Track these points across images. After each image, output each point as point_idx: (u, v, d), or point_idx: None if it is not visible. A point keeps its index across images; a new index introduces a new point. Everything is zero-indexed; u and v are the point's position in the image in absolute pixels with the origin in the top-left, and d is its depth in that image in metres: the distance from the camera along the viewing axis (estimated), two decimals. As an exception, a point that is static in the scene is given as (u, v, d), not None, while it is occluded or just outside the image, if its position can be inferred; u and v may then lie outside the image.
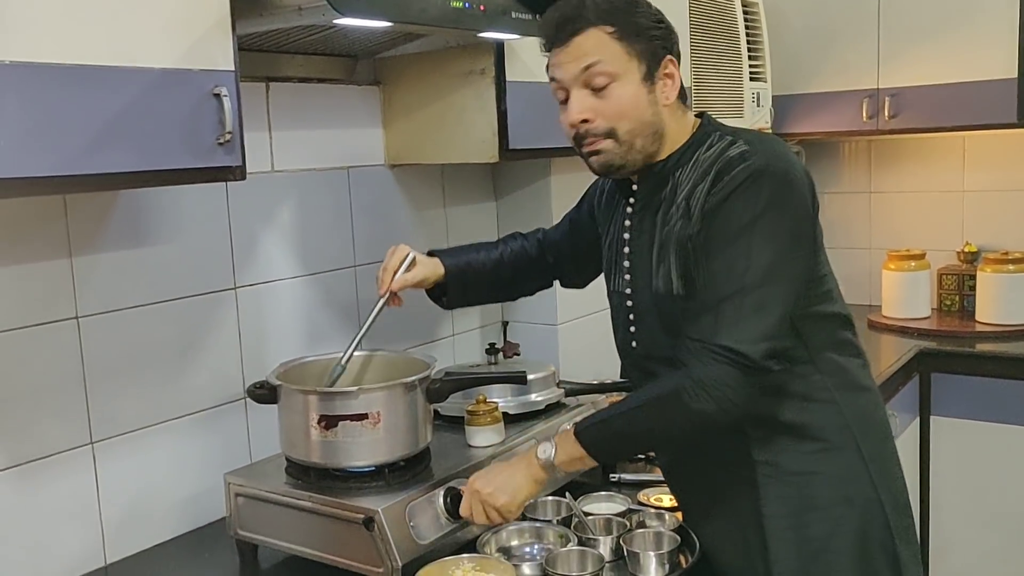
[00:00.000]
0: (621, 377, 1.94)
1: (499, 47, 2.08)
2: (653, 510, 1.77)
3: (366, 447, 1.63)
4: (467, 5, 1.73)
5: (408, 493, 1.60)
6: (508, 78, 2.09)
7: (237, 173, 1.50)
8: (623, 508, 1.78)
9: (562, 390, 2.06)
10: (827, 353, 1.53)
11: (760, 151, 1.43)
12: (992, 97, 3.19)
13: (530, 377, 1.92)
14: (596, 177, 1.68)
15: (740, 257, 1.39)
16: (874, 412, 1.60)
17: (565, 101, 1.50)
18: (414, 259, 1.74)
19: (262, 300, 2.03)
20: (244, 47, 1.73)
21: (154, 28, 1.37)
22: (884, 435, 1.61)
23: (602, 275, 1.73)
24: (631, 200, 1.59)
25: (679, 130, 1.53)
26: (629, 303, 1.59)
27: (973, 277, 3.47)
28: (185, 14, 1.41)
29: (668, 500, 1.89)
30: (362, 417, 1.61)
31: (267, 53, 1.98)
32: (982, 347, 3.20)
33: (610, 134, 1.48)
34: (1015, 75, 3.13)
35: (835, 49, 3.47)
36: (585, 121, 1.48)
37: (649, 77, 1.47)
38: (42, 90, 1.24)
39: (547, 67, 1.53)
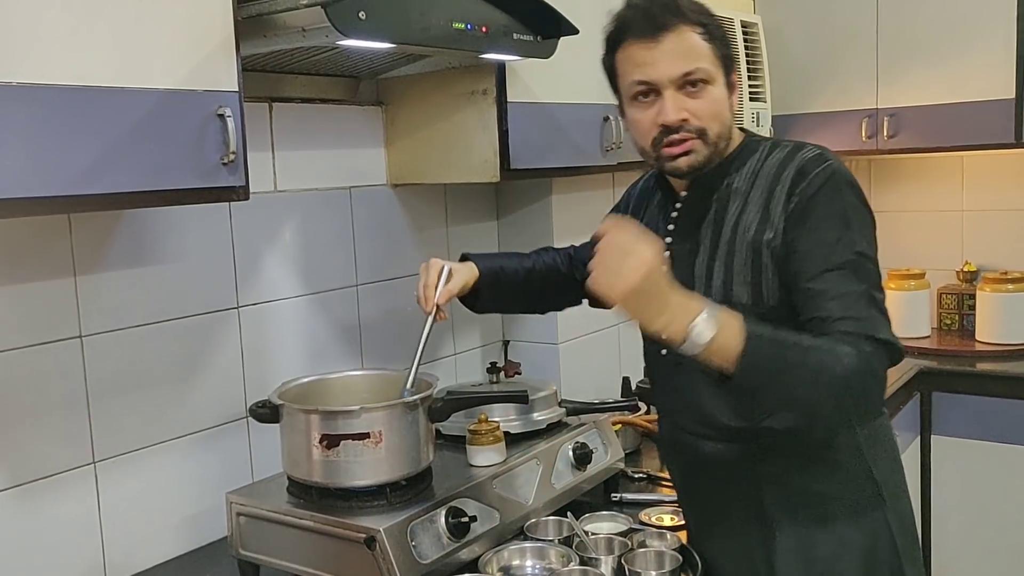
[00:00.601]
0: (644, 380, 1.89)
1: (501, 68, 2.09)
2: (655, 530, 1.77)
3: (368, 466, 1.62)
4: (469, 27, 1.75)
5: (410, 512, 1.59)
6: (510, 99, 2.11)
7: (241, 193, 1.51)
8: (625, 528, 1.77)
9: (563, 409, 2.05)
10: None
11: (830, 155, 1.45)
12: (990, 117, 3.20)
13: (531, 396, 1.92)
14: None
15: (846, 248, 1.38)
16: (886, 434, 1.60)
17: (645, 96, 1.47)
18: (451, 271, 1.73)
19: (265, 319, 2.04)
20: (248, 68, 1.74)
21: (159, 49, 1.38)
22: (894, 457, 1.61)
23: None
24: (676, 205, 1.57)
25: (734, 136, 1.54)
26: None
27: (973, 296, 3.47)
28: (189, 36, 1.42)
29: (669, 519, 1.89)
30: (364, 436, 1.61)
31: (270, 74, 1.99)
32: (982, 366, 3.20)
33: (702, 134, 1.46)
34: (1013, 95, 3.15)
35: (834, 69, 3.49)
36: (683, 120, 1.45)
37: (728, 83, 1.48)
38: (48, 111, 1.25)
39: (616, 54, 1.51)
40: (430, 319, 1.71)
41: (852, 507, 1.51)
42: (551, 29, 1.93)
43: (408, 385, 1.70)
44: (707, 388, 1.48)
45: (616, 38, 1.50)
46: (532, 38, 1.90)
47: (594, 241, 1.35)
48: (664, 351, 1.57)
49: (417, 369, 1.71)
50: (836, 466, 1.51)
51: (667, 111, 1.44)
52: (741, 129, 1.57)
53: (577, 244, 1.91)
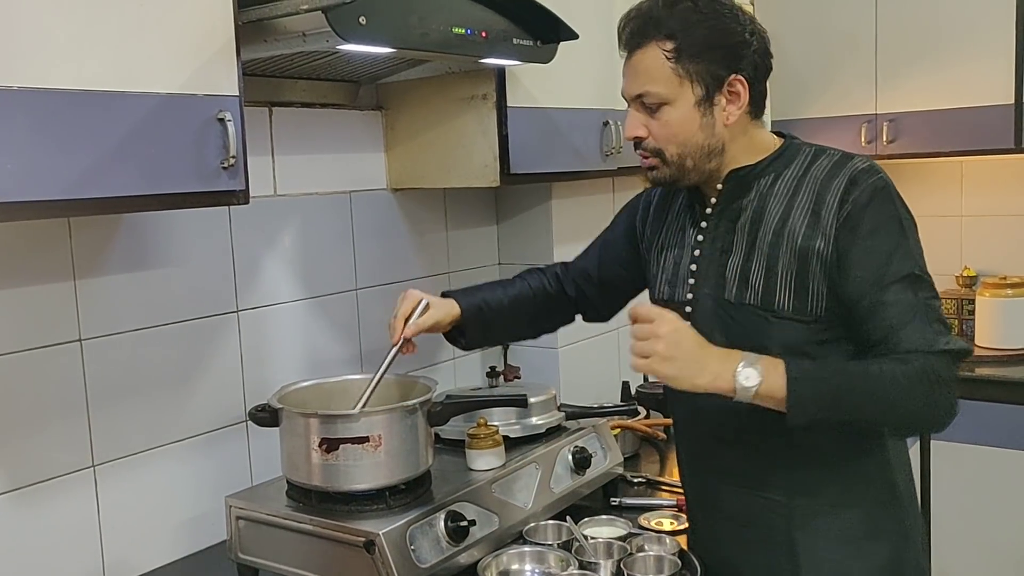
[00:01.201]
0: (644, 384, 1.89)
1: (500, 73, 2.10)
2: (654, 534, 1.77)
3: (367, 470, 1.63)
4: (469, 31, 1.75)
5: (409, 516, 1.59)
6: (509, 103, 2.11)
7: (240, 197, 1.51)
8: (624, 532, 1.77)
9: (563, 413, 2.05)
10: None
11: (879, 167, 1.45)
12: (989, 122, 3.21)
13: (531, 400, 1.92)
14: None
15: (905, 259, 1.39)
16: (904, 446, 1.60)
17: (630, 105, 1.52)
18: (427, 304, 1.70)
19: (264, 323, 2.04)
20: (248, 72, 1.75)
21: (160, 54, 1.38)
22: (910, 469, 1.60)
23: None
24: (711, 202, 1.55)
25: (751, 144, 1.51)
26: (688, 309, 1.54)
27: (972, 301, 3.47)
28: (190, 40, 1.42)
29: (669, 524, 1.89)
30: (363, 440, 1.62)
31: (271, 78, 2.00)
32: (981, 371, 3.20)
33: (658, 154, 1.49)
34: (1012, 100, 3.16)
35: (834, 74, 3.49)
36: (639, 137, 1.50)
37: (707, 99, 1.45)
38: (49, 115, 1.25)
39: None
40: (394, 349, 1.68)
41: (876, 517, 1.50)
42: (551, 34, 1.93)
43: (360, 407, 1.65)
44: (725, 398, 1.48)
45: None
46: (532, 43, 1.90)
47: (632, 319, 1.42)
48: None
49: (371, 395, 1.66)
50: (863, 476, 1.50)
51: (626, 128, 1.51)
52: (780, 134, 1.55)
53: (569, 259, 1.89)
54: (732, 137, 1.49)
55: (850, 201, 1.40)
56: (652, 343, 1.36)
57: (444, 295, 1.78)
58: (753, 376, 1.33)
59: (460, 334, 1.78)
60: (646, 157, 1.51)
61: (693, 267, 1.55)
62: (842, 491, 1.50)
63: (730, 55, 1.45)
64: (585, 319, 1.90)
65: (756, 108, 1.50)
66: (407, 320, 1.69)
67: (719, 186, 1.53)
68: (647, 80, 1.45)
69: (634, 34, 1.47)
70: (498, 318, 1.79)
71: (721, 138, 1.48)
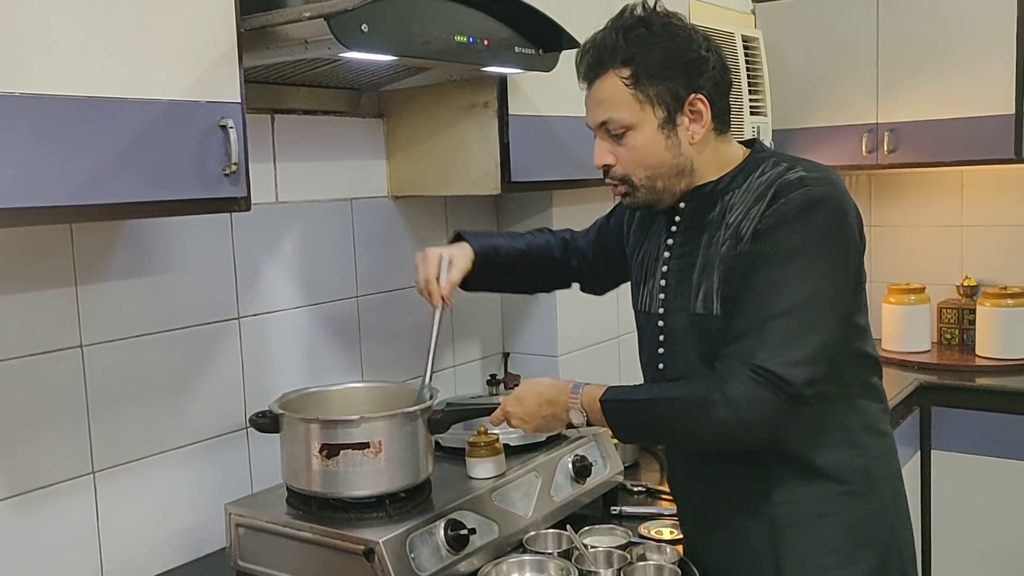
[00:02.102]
0: None
1: (502, 81, 2.10)
2: (654, 543, 1.77)
3: (367, 477, 1.62)
4: (471, 40, 1.76)
5: (409, 524, 1.59)
6: (511, 111, 2.11)
7: (242, 204, 1.51)
8: (624, 541, 1.77)
9: (563, 421, 2.05)
10: (855, 394, 1.53)
11: (818, 179, 1.42)
12: (990, 132, 3.21)
13: (531, 408, 1.91)
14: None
15: (788, 280, 1.38)
16: (892, 458, 1.60)
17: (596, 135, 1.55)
18: (449, 260, 1.74)
19: (265, 330, 2.04)
20: (250, 79, 1.75)
21: (162, 61, 1.39)
22: (900, 480, 1.60)
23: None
24: (676, 220, 1.57)
25: (718, 159, 1.52)
26: (660, 323, 1.57)
27: (973, 311, 3.48)
28: (193, 47, 1.43)
29: (669, 533, 1.89)
30: (363, 446, 1.61)
31: (273, 85, 2.00)
32: (982, 381, 3.20)
33: (625, 180, 1.52)
34: (1012, 111, 3.16)
35: (835, 84, 3.50)
36: (607, 165, 1.52)
37: (669, 121, 1.47)
38: (52, 121, 1.25)
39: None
40: (438, 312, 1.72)
41: (861, 528, 1.50)
42: (553, 43, 1.94)
43: (426, 381, 1.73)
44: None
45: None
46: (534, 51, 1.91)
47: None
48: (661, 365, 1.58)
49: (432, 364, 1.73)
50: (846, 487, 1.50)
51: (595, 156, 1.54)
52: (749, 143, 1.56)
53: (576, 229, 1.94)
54: (699, 154, 1.50)
55: (769, 213, 1.41)
56: (513, 421, 1.62)
57: (457, 236, 1.82)
58: (578, 416, 1.52)
59: (467, 278, 1.80)
60: (616, 185, 1.53)
61: (663, 282, 1.58)
62: (826, 501, 1.50)
63: (689, 74, 1.46)
64: (582, 289, 1.96)
65: (720, 123, 1.51)
66: (437, 280, 1.72)
67: (682, 204, 1.55)
68: (609, 108, 1.48)
69: (592, 66, 1.49)
70: (503, 266, 1.84)
71: (688, 157, 1.50)
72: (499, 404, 1.66)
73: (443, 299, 1.72)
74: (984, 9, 3.21)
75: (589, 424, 1.53)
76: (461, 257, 1.77)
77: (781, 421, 1.38)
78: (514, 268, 1.86)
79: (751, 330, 1.38)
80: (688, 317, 1.52)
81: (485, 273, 1.81)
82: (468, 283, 1.82)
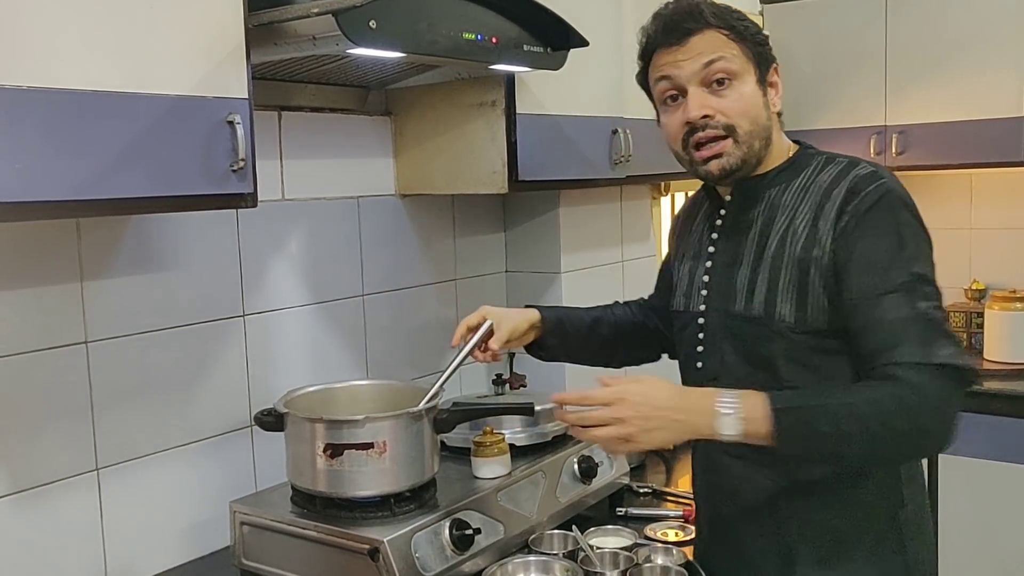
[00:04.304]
0: None
1: (510, 79, 2.09)
2: (660, 545, 1.76)
3: (372, 476, 1.62)
4: (479, 37, 1.75)
5: (414, 524, 1.58)
6: (518, 110, 2.10)
7: (249, 200, 1.50)
8: (630, 542, 1.76)
9: (569, 422, 2.04)
10: None
11: (885, 173, 1.42)
12: (998, 135, 3.20)
13: (537, 408, 1.91)
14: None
15: (901, 269, 1.34)
16: (920, 472, 1.57)
17: (674, 100, 1.47)
18: (490, 325, 1.67)
19: (270, 328, 2.03)
20: (258, 76, 1.74)
21: (170, 55, 1.38)
22: (923, 497, 1.57)
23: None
24: (721, 212, 1.54)
25: (779, 147, 1.50)
26: (700, 320, 1.54)
27: (981, 315, 3.46)
28: (201, 42, 1.42)
29: (675, 535, 1.88)
30: (368, 446, 1.61)
31: (280, 82, 1.99)
32: (990, 385, 3.17)
33: (730, 131, 1.43)
34: (1022, 113, 3.15)
35: (843, 86, 3.49)
36: (706, 117, 1.43)
37: (762, 80, 1.46)
38: (59, 115, 1.25)
39: (646, 68, 1.51)
40: (460, 354, 1.68)
41: (872, 547, 1.46)
42: (561, 41, 1.93)
43: (424, 401, 1.68)
44: None
45: (646, 51, 1.50)
46: (542, 50, 1.90)
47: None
48: (699, 364, 1.54)
49: (447, 379, 1.70)
50: (860, 504, 1.46)
51: (690, 107, 1.43)
52: (796, 142, 1.55)
53: (646, 296, 1.86)
54: (775, 130, 1.49)
55: (848, 211, 1.38)
56: (621, 427, 1.32)
57: (527, 307, 1.77)
58: (732, 425, 1.31)
59: (540, 346, 1.77)
60: (710, 142, 1.44)
61: (706, 278, 1.54)
62: (836, 516, 1.46)
63: (766, 46, 1.48)
64: (670, 356, 1.78)
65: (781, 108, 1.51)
66: (474, 332, 1.68)
67: (728, 196, 1.53)
68: (714, 53, 1.42)
69: (685, 21, 1.44)
70: (578, 333, 1.77)
71: (772, 126, 1.48)
72: (507, 405, 1.64)
73: (493, 353, 1.67)
74: (993, 12, 3.19)
75: (729, 436, 1.31)
76: (516, 316, 1.71)
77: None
78: (588, 334, 1.78)
79: (905, 331, 1.32)
80: (724, 315, 1.49)
81: (557, 339, 1.75)
82: (543, 350, 1.77)
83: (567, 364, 2.59)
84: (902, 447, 1.35)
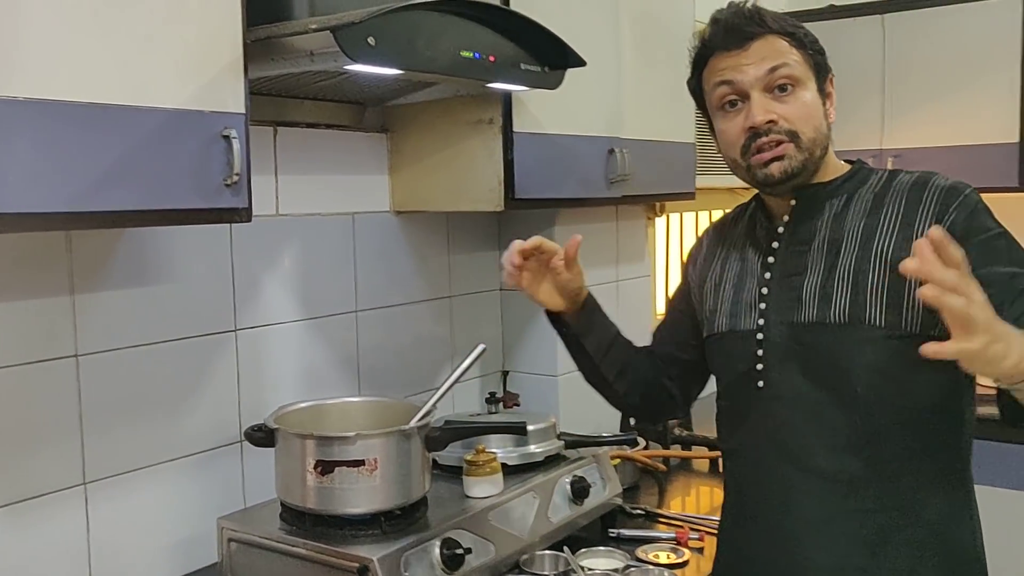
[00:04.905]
0: (719, 428, 1.62)
1: (507, 97, 2.09)
2: (652, 567, 1.75)
3: (362, 494, 1.61)
4: (477, 55, 1.75)
5: (404, 542, 1.57)
6: (516, 128, 2.10)
7: (243, 215, 1.50)
8: (621, 564, 1.75)
9: (562, 442, 2.04)
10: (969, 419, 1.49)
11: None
12: (994, 161, 3.22)
13: (530, 428, 1.90)
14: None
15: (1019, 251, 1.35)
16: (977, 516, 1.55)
17: (733, 105, 1.44)
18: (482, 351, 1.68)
19: (262, 343, 2.02)
20: (254, 91, 1.74)
21: (166, 69, 1.38)
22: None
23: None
24: (785, 219, 1.49)
25: (834, 160, 1.49)
26: (760, 336, 1.46)
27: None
28: (198, 56, 1.42)
29: (667, 557, 1.87)
30: (359, 463, 1.60)
31: (277, 98, 1.99)
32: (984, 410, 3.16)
33: (793, 137, 1.41)
34: (1017, 139, 3.17)
35: (840, 109, 3.44)
36: (770, 123, 1.41)
37: (821, 90, 1.45)
38: (53, 127, 1.24)
39: (699, 73, 1.49)
40: (477, 351, 1.66)
41: (947, 567, 1.42)
42: (559, 60, 1.93)
43: (416, 419, 1.67)
44: (809, 425, 1.42)
45: (702, 55, 1.48)
46: (540, 69, 1.90)
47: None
48: (761, 383, 1.45)
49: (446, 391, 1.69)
50: (938, 517, 1.42)
51: (754, 112, 1.41)
52: (849, 162, 1.52)
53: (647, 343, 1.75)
54: (829, 141, 1.47)
55: (952, 210, 1.36)
56: (969, 304, 1.08)
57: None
58: None
59: (564, 318, 1.64)
60: (773, 145, 1.41)
61: (764, 291, 1.48)
62: (906, 531, 1.40)
63: (824, 55, 1.46)
64: (685, 403, 1.74)
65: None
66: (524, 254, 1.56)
67: (792, 202, 1.48)
68: (779, 59, 1.41)
69: (746, 25, 1.42)
70: (607, 329, 1.67)
71: (830, 137, 1.46)
72: (500, 424, 1.62)
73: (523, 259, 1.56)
74: (989, 38, 3.22)
75: None
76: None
77: None
78: (614, 343, 1.68)
79: None
80: (789, 328, 1.43)
81: (586, 317, 1.64)
82: (565, 322, 1.64)
83: (561, 384, 2.59)
84: None
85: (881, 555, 1.40)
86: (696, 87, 1.51)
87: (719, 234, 1.64)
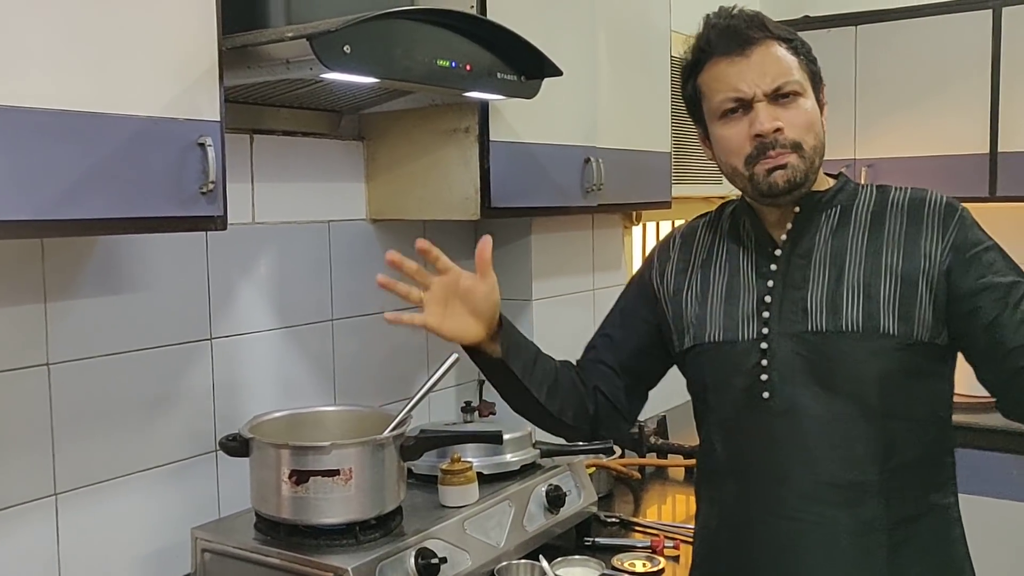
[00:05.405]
0: (710, 443, 1.54)
1: (483, 106, 2.10)
2: (627, 575, 1.75)
3: (337, 504, 1.60)
4: (453, 64, 1.75)
5: (379, 552, 1.57)
6: (492, 137, 2.11)
7: (219, 223, 1.49)
8: (597, 573, 1.75)
9: (538, 451, 2.04)
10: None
11: None
12: (965, 171, 3.26)
13: (506, 437, 1.90)
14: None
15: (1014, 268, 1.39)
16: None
17: (733, 112, 1.41)
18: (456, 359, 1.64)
19: (237, 352, 2.01)
20: (230, 99, 1.74)
21: (141, 76, 1.37)
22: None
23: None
24: (789, 229, 1.46)
25: (821, 172, 1.48)
26: (763, 346, 1.42)
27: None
28: (173, 64, 1.41)
29: (642, 566, 1.87)
30: (334, 473, 1.59)
31: (252, 106, 1.99)
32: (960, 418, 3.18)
33: (796, 147, 1.39)
34: (987, 150, 3.21)
35: (813, 120, 3.52)
36: (777, 131, 1.38)
37: (817, 100, 1.44)
38: (26, 134, 1.23)
39: (694, 79, 1.46)
40: (451, 360, 1.64)
41: None
42: (535, 70, 1.94)
43: (390, 428, 1.67)
44: (821, 435, 1.39)
45: (699, 59, 1.44)
46: (516, 78, 1.91)
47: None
48: (766, 394, 1.41)
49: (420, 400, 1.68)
50: (938, 527, 1.44)
51: (761, 120, 1.38)
52: (830, 175, 1.51)
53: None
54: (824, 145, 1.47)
55: (953, 226, 1.40)
56: None
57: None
58: None
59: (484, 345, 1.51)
60: (778, 155, 1.39)
61: (767, 299, 1.44)
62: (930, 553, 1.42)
63: (818, 65, 1.47)
64: (625, 421, 1.65)
65: None
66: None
67: (796, 209, 1.46)
68: (787, 70, 1.40)
69: (745, 31, 1.40)
70: (536, 357, 1.58)
71: (825, 145, 1.45)
72: (476, 433, 1.62)
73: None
74: (960, 51, 3.26)
75: None
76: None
77: None
78: (537, 359, 1.57)
79: None
80: (795, 339, 1.40)
81: (510, 340, 1.53)
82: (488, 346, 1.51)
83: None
84: None
85: (895, 565, 1.39)
86: (692, 93, 1.48)
87: (688, 243, 1.58)
